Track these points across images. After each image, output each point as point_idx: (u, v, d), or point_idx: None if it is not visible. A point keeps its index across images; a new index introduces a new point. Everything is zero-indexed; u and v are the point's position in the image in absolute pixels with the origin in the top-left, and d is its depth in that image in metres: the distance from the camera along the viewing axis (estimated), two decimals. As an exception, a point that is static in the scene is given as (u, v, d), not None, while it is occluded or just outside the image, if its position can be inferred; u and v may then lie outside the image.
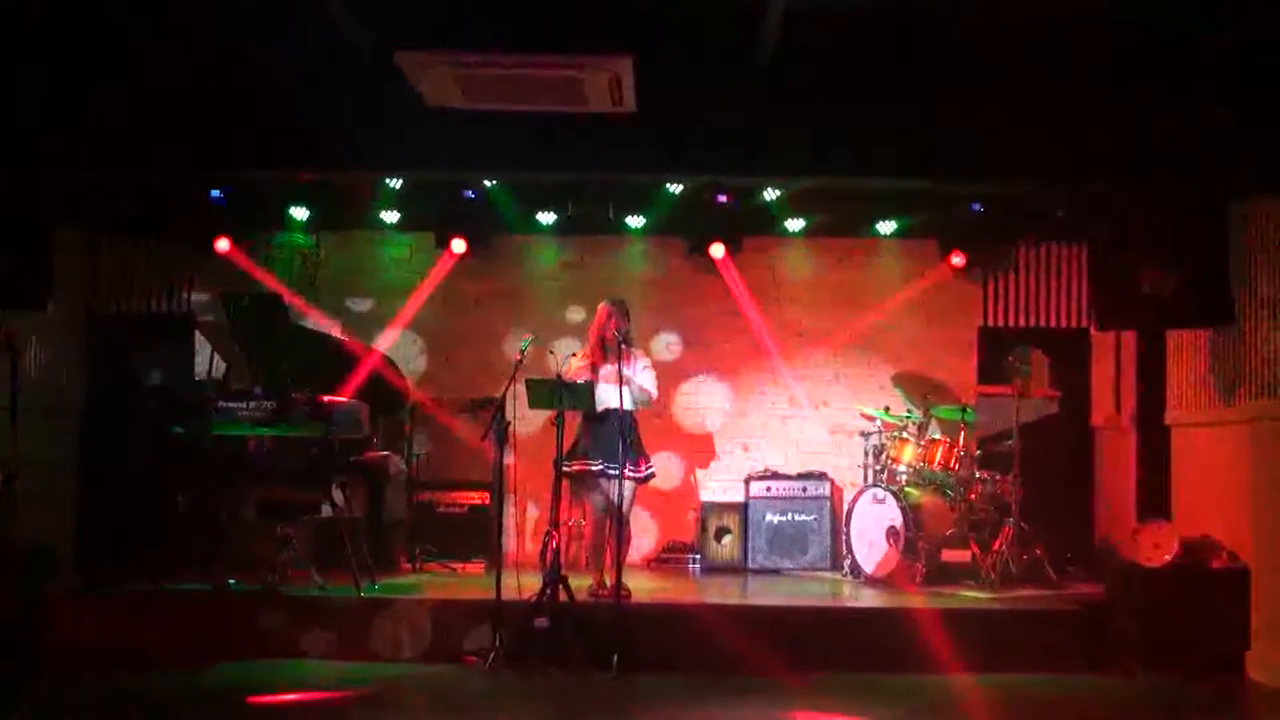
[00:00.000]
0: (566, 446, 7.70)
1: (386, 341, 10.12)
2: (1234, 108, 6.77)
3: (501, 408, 7.41)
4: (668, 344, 10.21)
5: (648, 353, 8.45)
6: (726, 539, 10.03)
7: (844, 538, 9.48)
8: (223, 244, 9.87)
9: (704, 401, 10.55)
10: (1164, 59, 6.54)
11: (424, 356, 10.45)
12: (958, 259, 10.09)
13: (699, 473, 10.50)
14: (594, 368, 7.95)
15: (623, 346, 7.84)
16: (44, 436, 8.79)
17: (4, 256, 7.61)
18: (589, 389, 7.65)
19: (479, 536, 9.60)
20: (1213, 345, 7.98)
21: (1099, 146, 7.20)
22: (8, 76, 6.68)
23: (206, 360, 9.68)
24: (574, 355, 8.21)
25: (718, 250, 10.13)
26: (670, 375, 8.50)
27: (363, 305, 10.45)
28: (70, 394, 9.64)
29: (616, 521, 7.71)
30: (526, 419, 8.66)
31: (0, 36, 6.41)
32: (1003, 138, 7.17)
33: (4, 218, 7.66)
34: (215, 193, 9.43)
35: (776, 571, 9.81)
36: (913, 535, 8.82)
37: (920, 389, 9.82)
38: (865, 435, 9.90)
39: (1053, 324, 10.38)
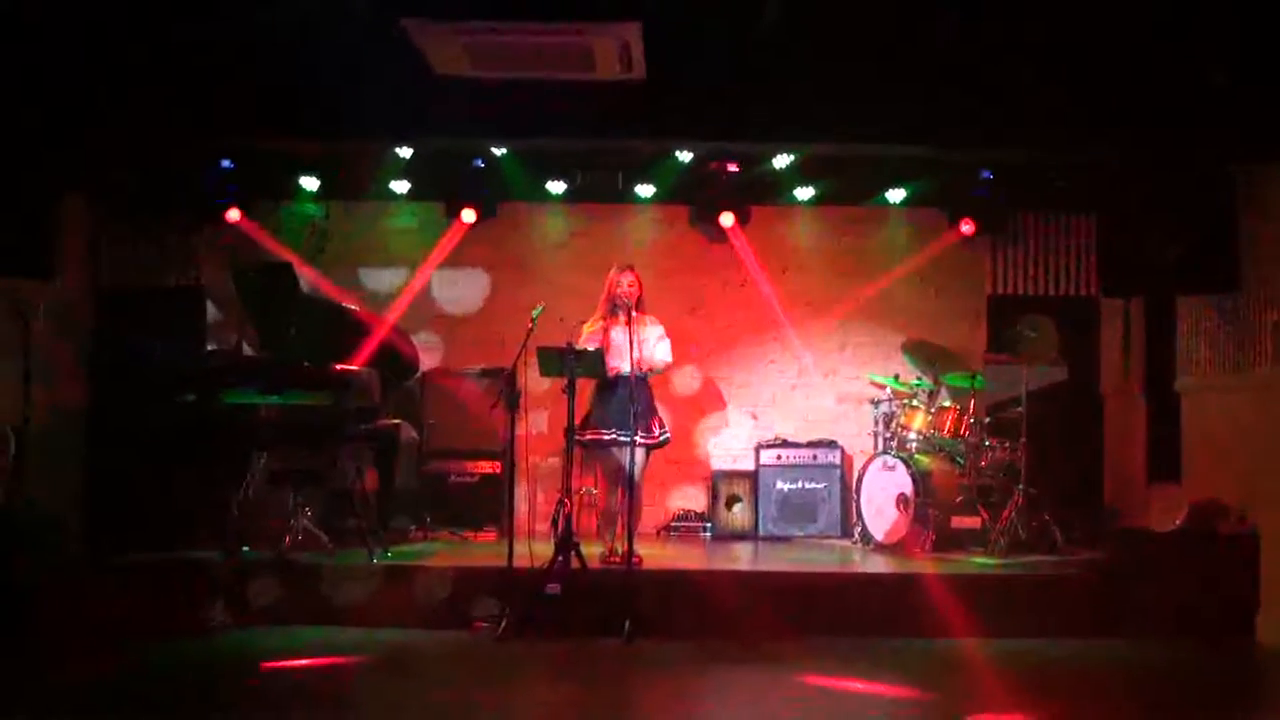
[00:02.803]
0: (578, 415, 7.71)
1: (397, 310, 10.10)
2: (1241, 75, 6.74)
3: (512, 377, 7.41)
4: (676, 312, 10.16)
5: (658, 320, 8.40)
6: (737, 507, 10.08)
7: (854, 505, 9.51)
8: (233, 214, 9.87)
9: (713, 370, 10.55)
10: (1170, 27, 6.52)
11: (434, 325, 10.45)
12: (967, 227, 10.07)
13: (710, 441, 10.52)
14: (606, 332, 7.95)
15: (634, 312, 7.84)
16: (53, 408, 8.83)
17: (9, 226, 7.65)
18: (599, 356, 7.65)
19: (490, 505, 9.67)
20: (1221, 312, 7.97)
21: (1105, 116, 7.18)
22: (9, 46, 6.68)
23: (218, 330, 9.74)
24: (584, 323, 8.20)
25: (727, 219, 10.12)
26: (680, 344, 8.48)
27: (373, 274, 10.44)
28: (80, 366, 9.66)
29: (628, 489, 7.72)
30: (537, 387, 8.66)
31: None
32: (1007, 105, 7.16)
33: (9, 188, 7.67)
34: (226, 163, 9.53)
35: (787, 539, 9.85)
36: (923, 502, 8.84)
37: (929, 357, 9.80)
38: (875, 403, 9.91)
39: (1061, 292, 10.34)
